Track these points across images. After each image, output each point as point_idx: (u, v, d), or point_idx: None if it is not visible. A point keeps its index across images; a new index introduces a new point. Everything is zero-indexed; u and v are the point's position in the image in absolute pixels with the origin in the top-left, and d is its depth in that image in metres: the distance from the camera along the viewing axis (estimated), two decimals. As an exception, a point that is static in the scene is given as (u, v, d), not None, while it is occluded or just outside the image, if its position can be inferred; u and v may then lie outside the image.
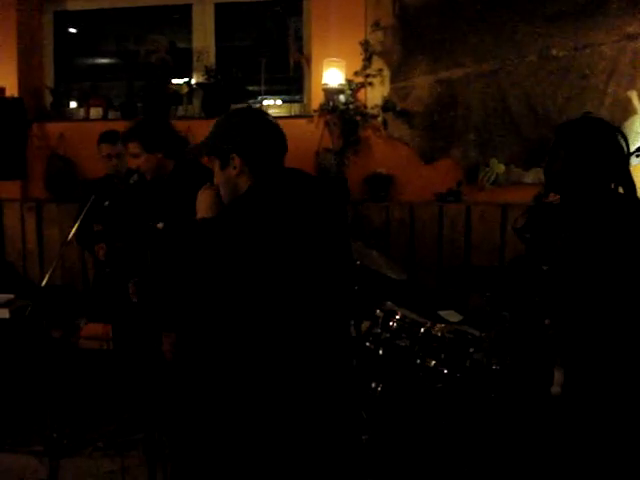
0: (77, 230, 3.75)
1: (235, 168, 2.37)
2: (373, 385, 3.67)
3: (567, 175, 2.84)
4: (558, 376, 2.93)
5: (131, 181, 3.72)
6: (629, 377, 2.75)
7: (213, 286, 2.33)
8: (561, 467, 2.91)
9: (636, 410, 2.76)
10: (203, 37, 5.79)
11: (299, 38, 5.62)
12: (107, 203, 3.70)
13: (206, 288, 2.36)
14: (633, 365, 2.74)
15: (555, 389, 2.93)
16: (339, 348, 2.44)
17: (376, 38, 5.24)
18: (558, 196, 3.03)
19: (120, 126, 4.23)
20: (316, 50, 5.37)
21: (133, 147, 3.66)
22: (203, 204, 2.45)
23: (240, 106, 5.57)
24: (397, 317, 3.79)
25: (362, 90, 5.27)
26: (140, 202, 3.74)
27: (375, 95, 5.28)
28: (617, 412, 2.77)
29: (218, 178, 2.44)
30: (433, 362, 3.63)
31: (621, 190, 2.84)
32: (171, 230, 3.18)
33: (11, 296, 4.73)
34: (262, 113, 2.51)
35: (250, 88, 5.82)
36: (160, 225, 3.27)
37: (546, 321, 2.92)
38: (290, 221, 2.28)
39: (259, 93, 5.81)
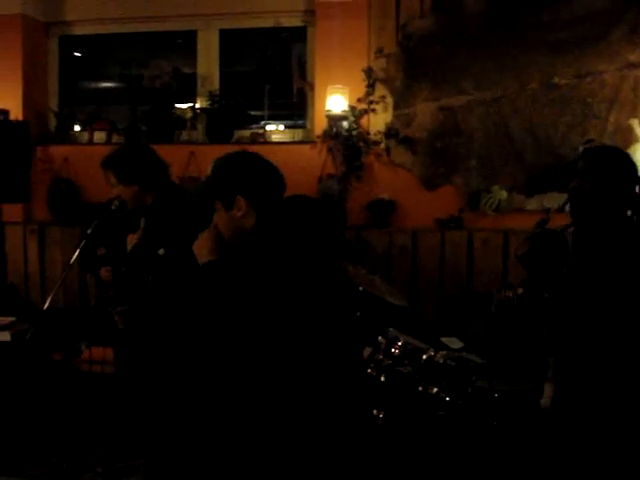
0: (79, 254, 3.74)
1: (240, 209, 2.43)
2: (375, 412, 3.66)
3: (595, 197, 2.88)
4: (548, 390, 2.99)
5: (112, 207, 3.71)
6: (622, 395, 2.79)
7: (223, 327, 2.36)
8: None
9: (624, 425, 2.78)
10: (207, 63, 5.83)
11: (303, 64, 5.66)
12: (89, 231, 3.68)
13: (218, 327, 2.40)
14: (626, 385, 2.78)
15: (545, 402, 2.99)
16: (347, 378, 2.46)
17: (379, 65, 5.28)
18: (560, 223, 3.06)
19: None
20: (319, 76, 5.40)
21: (109, 176, 3.65)
22: (204, 248, 2.48)
23: (244, 131, 5.64)
24: (399, 344, 3.78)
25: (365, 117, 5.30)
26: (121, 229, 3.74)
27: (378, 122, 5.30)
28: (608, 426, 2.80)
29: (221, 220, 2.49)
30: (435, 389, 3.61)
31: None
32: (173, 257, 3.20)
33: (12, 319, 4.73)
34: (257, 155, 2.57)
35: (253, 113, 5.85)
36: (161, 251, 3.28)
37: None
38: (297, 256, 2.32)
39: (262, 118, 5.84)
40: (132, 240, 3.56)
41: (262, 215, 2.43)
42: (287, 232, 2.37)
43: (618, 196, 2.88)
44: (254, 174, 2.48)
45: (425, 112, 5.24)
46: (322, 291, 2.37)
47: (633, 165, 2.97)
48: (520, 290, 3.20)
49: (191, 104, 5.85)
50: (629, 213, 2.94)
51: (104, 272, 3.84)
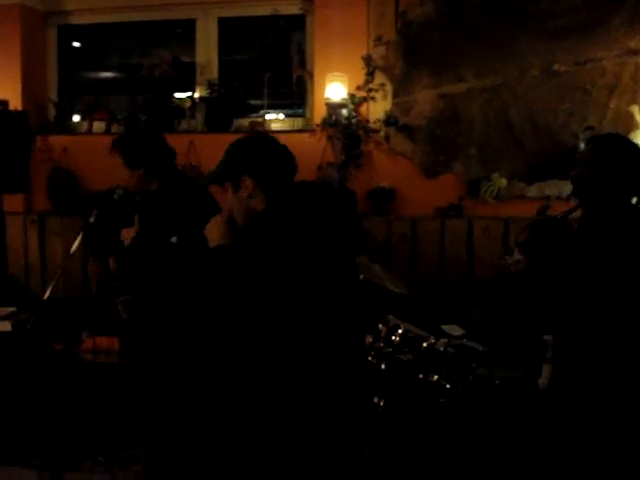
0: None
1: (247, 189, 2.42)
2: (375, 400, 3.66)
3: (595, 184, 2.88)
4: (546, 370, 3.01)
5: (115, 196, 3.69)
6: (617, 380, 2.82)
7: (235, 311, 2.35)
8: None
9: (621, 410, 2.81)
10: (206, 51, 5.82)
11: (302, 53, 5.63)
12: (92, 220, 3.66)
13: (227, 313, 2.39)
14: (622, 371, 2.82)
15: (542, 382, 3.02)
16: (354, 366, 2.46)
17: (378, 53, 5.26)
18: (561, 210, 3.07)
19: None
20: (319, 65, 5.39)
21: (115, 158, 3.63)
22: (216, 232, 2.48)
23: (243, 120, 5.63)
24: (400, 331, 3.78)
25: (364, 104, 5.29)
26: (124, 218, 3.72)
27: (377, 109, 5.29)
28: (605, 410, 2.83)
29: (231, 202, 2.49)
30: (436, 377, 3.61)
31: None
32: (186, 245, 3.18)
33: (13, 309, 4.73)
34: (269, 136, 2.57)
35: (253, 102, 5.84)
36: (174, 239, 3.26)
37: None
38: (306, 240, 2.31)
39: (262, 107, 5.83)
40: (128, 234, 3.55)
41: (272, 197, 2.42)
42: (297, 216, 2.35)
43: (619, 183, 2.88)
44: (261, 154, 2.46)
45: (425, 100, 5.23)
46: (332, 277, 2.36)
47: (636, 152, 2.95)
48: (517, 255, 3.22)
49: (190, 93, 5.83)
50: (634, 200, 2.95)
51: (111, 262, 3.83)
